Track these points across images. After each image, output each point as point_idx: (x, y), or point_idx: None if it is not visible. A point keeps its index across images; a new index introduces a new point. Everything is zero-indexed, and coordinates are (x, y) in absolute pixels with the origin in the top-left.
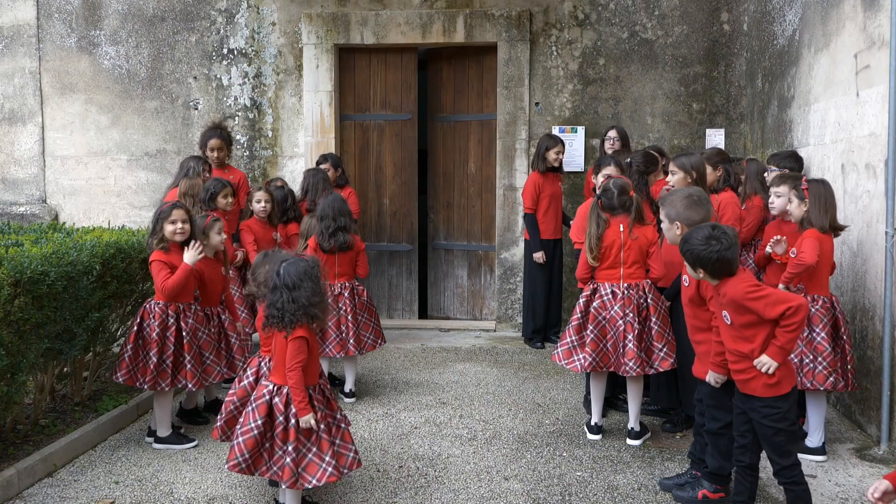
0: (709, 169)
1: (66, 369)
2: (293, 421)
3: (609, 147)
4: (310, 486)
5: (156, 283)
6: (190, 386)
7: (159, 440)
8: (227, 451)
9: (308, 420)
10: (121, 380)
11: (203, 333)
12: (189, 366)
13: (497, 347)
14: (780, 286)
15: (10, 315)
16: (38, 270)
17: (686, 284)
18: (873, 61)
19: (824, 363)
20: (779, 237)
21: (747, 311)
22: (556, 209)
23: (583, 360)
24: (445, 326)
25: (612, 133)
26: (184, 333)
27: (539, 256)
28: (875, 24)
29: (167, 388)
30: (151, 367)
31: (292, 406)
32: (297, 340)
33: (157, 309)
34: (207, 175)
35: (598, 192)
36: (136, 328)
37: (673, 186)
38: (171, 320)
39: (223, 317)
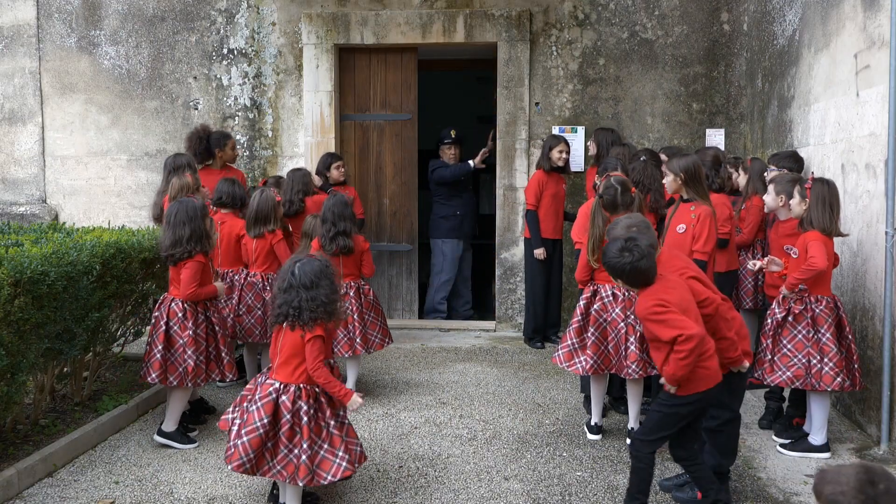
0: None
1: (66, 369)
2: (304, 419)
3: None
4: (325, 483)
5: (187, 283)
6: (231, 378)
7: (163, 433)
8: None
9: (355, 400)
10: (156, 380)
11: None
12: (227, 359)
13: (497, 347)
14: (784, 291)
15: (10, 315)
16: (38, 270)
17: None
18: (873, 61)
19: (831, 364)
20: (772, 257)
21: (646, 328)
22: (558, 209)
23: (584, 363)
24: (445, 326)
25: (590, 142)
26: (217, 329)
27: (540, 253)
28: (875, 24)
29: (202, 384)
30: (189, 367)
31: (302, 404)
32: (315, 340)
33: (186, 307)
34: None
35: (599, 191)
36: (163, 327)
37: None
38: (202, 317)
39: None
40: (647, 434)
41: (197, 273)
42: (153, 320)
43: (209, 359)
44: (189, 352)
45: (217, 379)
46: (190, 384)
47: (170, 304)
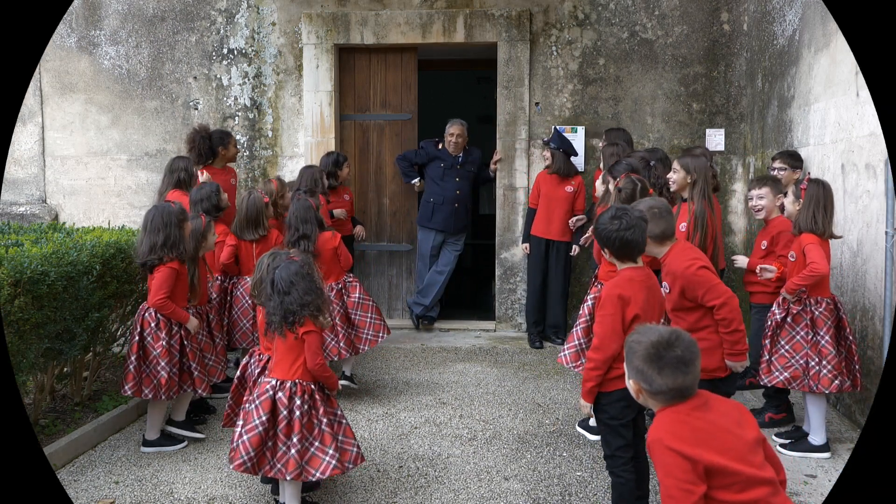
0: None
1: (66, 369)
2: (297, 413)
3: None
4: (313, 479)
5: (156, 290)
6: (200, 392)
7: (147, 443)
8: (226, 450)
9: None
10: (129, 392)
11: (202, 336)
12: (196, 373)
13: (497, 347)
14: (785, 294)
15: (10, 315)
16: (38, 270)
17: (667, 291)
18: None
19: (829, 366)
20: (763, 266)
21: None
22: (553, 210)
23: None
24: (445, 326)
25: (601, 142)
26: (185, 343)
27: (523, 247)
28: None
29: (174, 397)
30: (163, 379)
31: (296, 399)
32: (310, 336)
33: (159, 318)
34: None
35: (618, 186)
36: (137, 338)
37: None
38: (175, 328)
39: (211, 316)
40: (608, 449)
41: (166, 281)
42: (131, 330)
43: (182, 370)
44: (162, 363)
45: (189, 390)
46: (163, 397)
47: (143, 314)
